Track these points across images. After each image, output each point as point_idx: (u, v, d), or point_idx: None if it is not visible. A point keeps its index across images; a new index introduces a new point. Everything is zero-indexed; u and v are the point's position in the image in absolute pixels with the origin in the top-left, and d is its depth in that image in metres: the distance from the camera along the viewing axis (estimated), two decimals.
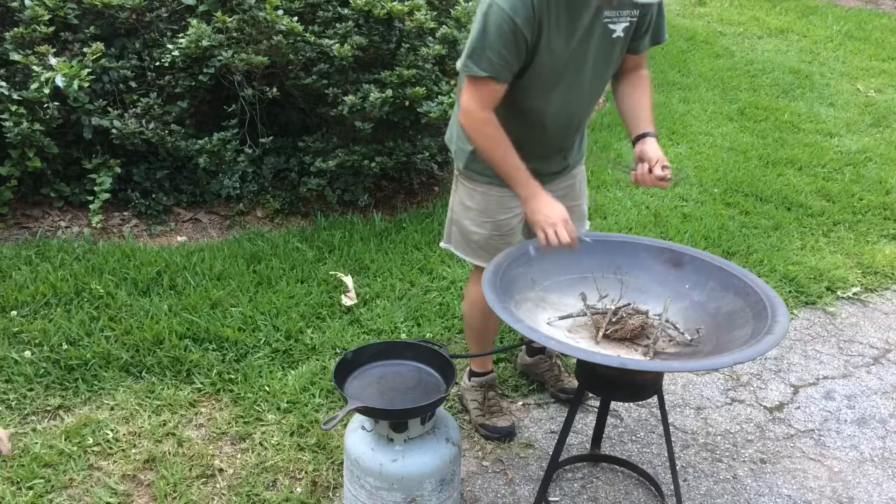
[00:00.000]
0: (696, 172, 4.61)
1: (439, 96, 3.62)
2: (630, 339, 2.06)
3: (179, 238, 3.65)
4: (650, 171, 2.10)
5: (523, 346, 2.84)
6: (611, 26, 2.03)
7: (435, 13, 3.78)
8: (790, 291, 3.51)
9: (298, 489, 2.32)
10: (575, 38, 2.00)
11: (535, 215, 2.08)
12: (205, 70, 3.55)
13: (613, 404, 2.68)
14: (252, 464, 2.39)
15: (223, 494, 2.28)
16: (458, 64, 2.03)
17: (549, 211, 2.06)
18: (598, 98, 2.24)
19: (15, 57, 3.32)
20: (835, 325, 3.35)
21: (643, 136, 2.16)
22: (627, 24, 2.06)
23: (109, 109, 3.56)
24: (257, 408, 2.61)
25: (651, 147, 2.14)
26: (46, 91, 3.27)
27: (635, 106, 2.22)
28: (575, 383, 2.66)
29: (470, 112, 2.05)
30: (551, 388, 2.76)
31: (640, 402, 2.77)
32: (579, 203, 2.46)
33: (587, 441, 2.56)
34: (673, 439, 2.56)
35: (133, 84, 3.62)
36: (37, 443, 2.40)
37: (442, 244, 2.50)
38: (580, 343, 2.02)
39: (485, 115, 2.04)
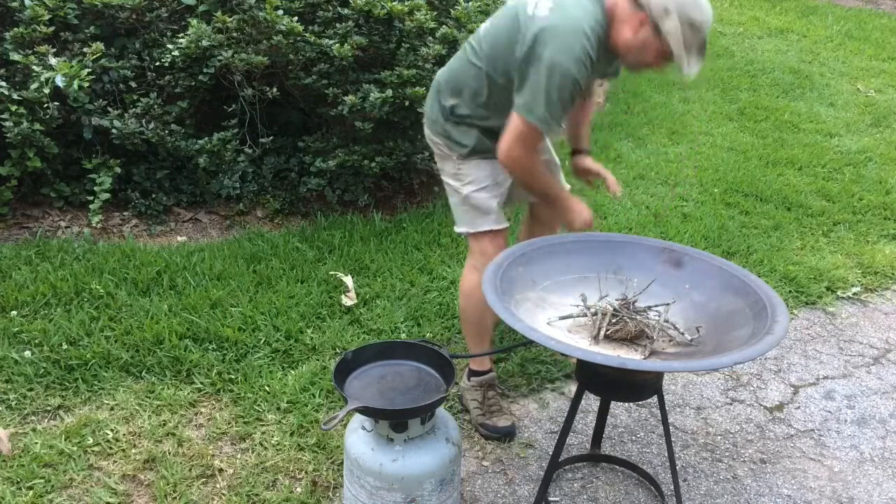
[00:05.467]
0: (696, 172, 4.61)
1: None
2: (630, 340, 2.06)
3: (179, 238, 3.65)
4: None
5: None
6: None
7: (435, 13, 3.78)
8: (790, 291, 3.51)
9: (298, 489, 2.32)
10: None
11: (576, 217, 2.36)
12: (205, 70, 3.55)
13: (613, 404, 2.68)
14: (252, 464, 2.39)
15: (223, 494, 2.28)
16: (532, 119, 2.13)
17: (586, 214, 2.37)
18: None
19: (15, 57, 3.32)
20: (835, 325, 3.35)
21: (580, 151, 2.60)
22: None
23: (109, 109, 3.56)
24: (257, 408, 2.61)
25: (592, 162, 2.59)
26: (46, 91, 3.27)
27: (583, 120, 2.59)
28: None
29: (521, 160, 2.22)
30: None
31: (640, 402, 2.77)
32: (552, 158, 2.67)
33: (587, 441, 2.56)
34: (673, 439, 2.56)
35: (133, 84, 3.62)
36: (37, 443, 2.40)
37: (462, 230, 2.53)
38: (580, 343, 2.03)
39: (533, 157, 2.26)
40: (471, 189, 2.43)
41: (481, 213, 2.45)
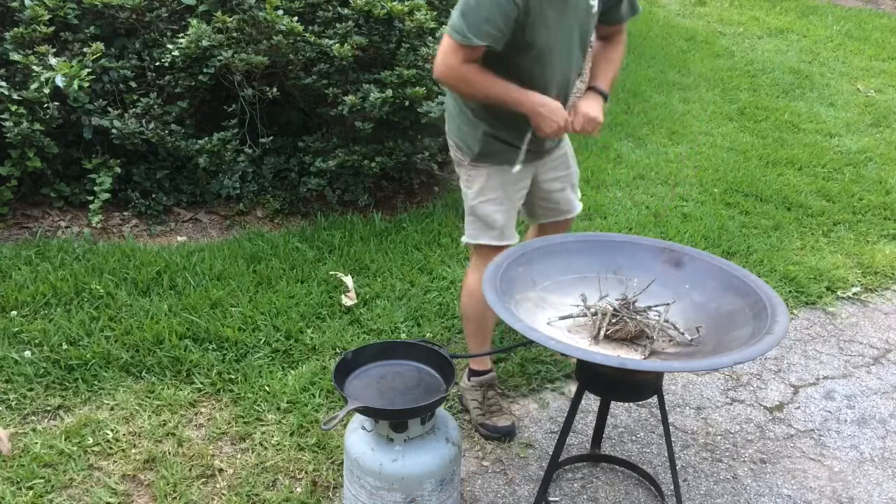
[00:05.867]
0: (696, 172, 4.61)
1: (439, 96, 3.62)
2: (630, 340, 2.06)
3: (179, 238, 3.65)
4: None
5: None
6: (591, 1, 2.23)
7: (435, 13, 3.78)
8: (790, 291, 3.51)
9: (298, 489, 2.32)
10: (565, 12, 2.18)
11: (546, 123, 2.22)
12: (205, 70, 3.55)
13: (613, 404, 2.68)
14: (252, 464, 2.39)
15: (223, 494, 2.28)
16: (450, 30, 2.11)
17: (556, 116, 2.22)
18: (580, 68, 2.41)
19: (15, 57, 3.32)
20: (835, 325, 3.35)
21: (591, 88, 2.37)
22: None
23: (109, 109, 3.56)
24: (257, 408, 2.61)
25: (587, 101, 2.32)
26: (46, 91, 3.27)
27: (601, 60, 2.45)
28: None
29: (452, 67, 2.15)
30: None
31: (640, 402, 2.77)
32: (570, 172, 2.63)
33: (587, 441, 2.56)
34: (673, 439, 2.56)
35: (133, 84, 3.62)
36: (37, 443, 2.40)
37: (464, 239, 2.53)
38: (580, 343, 2.03)
39: (466, 66, 2.15)
40: (478, 199, 2.43)
41: (485, 226, 2.45)
